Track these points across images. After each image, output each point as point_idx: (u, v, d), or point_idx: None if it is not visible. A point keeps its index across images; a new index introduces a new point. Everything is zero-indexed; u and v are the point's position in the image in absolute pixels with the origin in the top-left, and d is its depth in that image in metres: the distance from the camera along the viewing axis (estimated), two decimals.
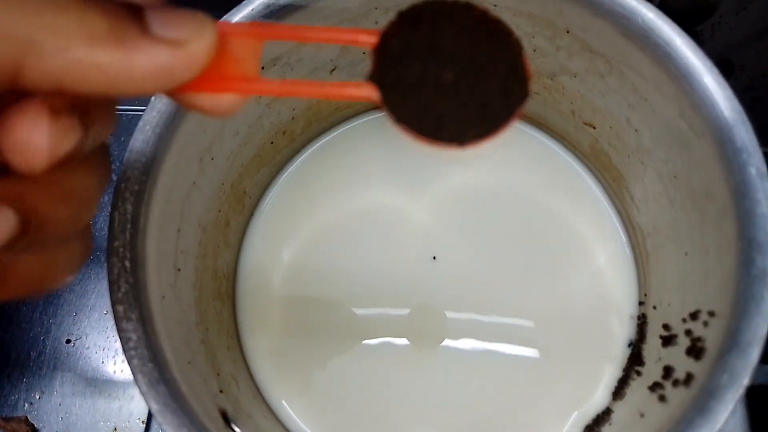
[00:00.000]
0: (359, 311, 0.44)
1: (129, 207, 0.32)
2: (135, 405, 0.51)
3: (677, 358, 0.33)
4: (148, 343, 0.30)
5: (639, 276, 0.43)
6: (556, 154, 0.47)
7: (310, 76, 0.42)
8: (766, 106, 0.70)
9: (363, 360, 0.43)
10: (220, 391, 0.35)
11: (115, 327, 0.51)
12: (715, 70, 0.32)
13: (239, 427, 0.32)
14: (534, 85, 0.43)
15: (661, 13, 0.32)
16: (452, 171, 0.48)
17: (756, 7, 0.53)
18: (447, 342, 0.43)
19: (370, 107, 0.49)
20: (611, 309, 0.43)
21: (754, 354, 0.27)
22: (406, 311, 0.44)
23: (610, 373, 0.42)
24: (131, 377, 0.50)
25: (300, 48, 0.39)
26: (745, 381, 0.26)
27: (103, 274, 0.55)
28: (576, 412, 0.41)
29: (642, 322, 0.42)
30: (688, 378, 0.30)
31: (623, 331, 0.43)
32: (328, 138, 0.49)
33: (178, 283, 0.35)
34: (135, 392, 0.51)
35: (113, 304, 0.30)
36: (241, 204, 0.45)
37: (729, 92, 0.31)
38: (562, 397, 0.41)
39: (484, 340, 0.43)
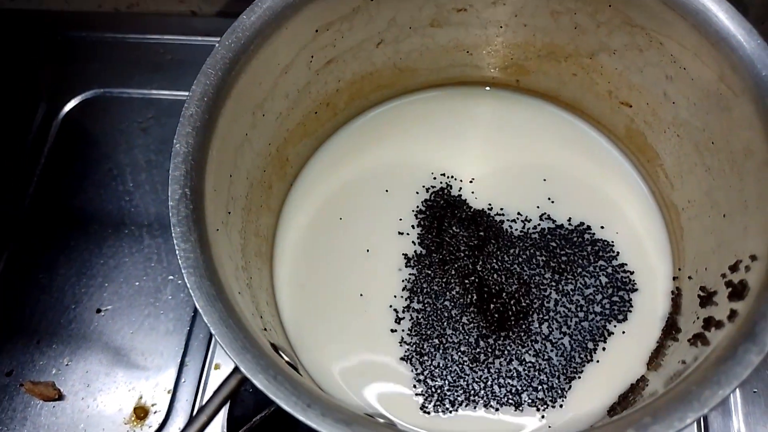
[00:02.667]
0: (396, 294, 0.45)
1: (191, 140, 0.33)
2: (161, 375, 0.51)
3: (718, 308, 0.33)
4: (206, 263, 0.31)
5: (672, 253, 0.44)
6: (592, 138, 0.49)
7: (358, 47, 0.44)
8: None
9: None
10: (265, 329, 0.35)
11: (142, 300, 0.52)
12: (754, 31, 0.33)
13: (288, 358, 0.33)
14: (573, 66, 0.45)
15: None
16: (491, 152, 0.49)
17: None
18: None
19: (412, 88, 0.51)
20: (646, 290, 0.43)
21: None
22: None
23: (646, 347, 0.42)
24: (159, 349, 0.51)
25: (354, 16, 0.41)
26: None
27: (137, 247, 0.56)
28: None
29: (677, 295, 0.42)
30: (732, 315, 0.30)
31: (659, 308, 0.43)
32: (368, 116, 0.51)
33: (228, 224, 0.36)
34: (162, 362, 0.51)
35: (173, 227, 0.31)
36: (283, 170, 0.46)
37: (767, 51, 0.33)
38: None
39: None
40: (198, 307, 0.29)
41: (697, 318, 0.36)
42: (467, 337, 0.42)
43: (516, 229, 0.46)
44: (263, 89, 0.39)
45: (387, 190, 0.48)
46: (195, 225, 0.31)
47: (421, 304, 0.44)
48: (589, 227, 0.46)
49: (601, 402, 0.40)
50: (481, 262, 0.45)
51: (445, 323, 0.43)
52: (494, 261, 0.45)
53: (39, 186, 0.59)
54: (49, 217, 0.57)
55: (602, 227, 0.45)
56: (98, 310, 0.54)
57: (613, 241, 0.45)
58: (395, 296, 0.44)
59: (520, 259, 0.45)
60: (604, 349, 0.42)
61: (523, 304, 0.43)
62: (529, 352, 0.42)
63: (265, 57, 0.37)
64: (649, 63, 0.40)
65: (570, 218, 0.46)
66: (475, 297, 0.43)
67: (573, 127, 0.49)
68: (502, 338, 0.42)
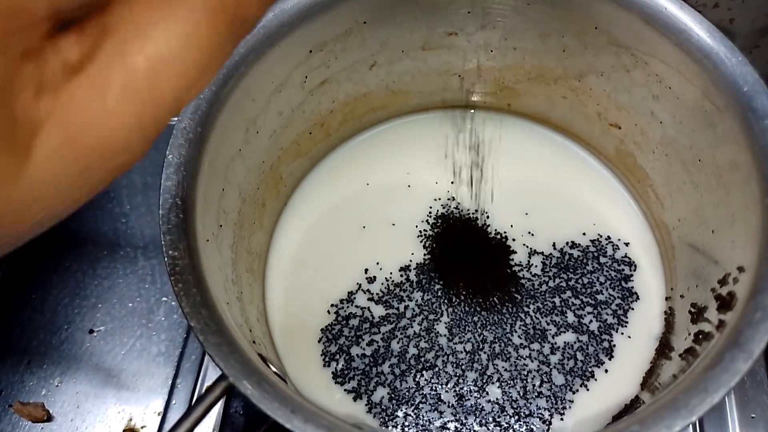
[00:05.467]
0: (393, 308, 0.45)
1: (183, 151, 0.34)
2: (152, 397, 0.50)
3: (708, 322, 0.33)
4: (194, 271, 0.31)
5: (665, 272, 0.44)
6: (582, 160, 0.49)
7: (351, 68, 0.45)
8: None
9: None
10: (253, 342, 0.35)
11: (135, 321, 0.52)
12: (734, 47, 0.34)
13: (276, 368, 0.33)
14: (562, 89, 0.46)
15: (678, 0, 0.35)
16: (484, 174, 0.49)
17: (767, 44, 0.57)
18: None
19: (405, 110, 0.51)
20: (640, 311, 0.43)
21: None
22: None
23: (640, 368, 0.41)
24: (151, 371, 0.50)
25: (347, 37, 0.42)
26: None
27: (132, 268, 0.57)
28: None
29: (669, 314, 0.42)
30: (720, 325, 0.30)
31: (653, 329, 0.43)
32: (362, 138, 0.51)
33: (219, 236, 0.37)
34: (153, 384, 0.51)
35: (163, 234, 0.31)
36: (276, 189, 0.46)
37: (748, 67, 0.34)
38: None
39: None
40: (184, 313, 0.29)
41: (689, 334, 0.36)
42: (460, 360, 0.42)
43: (515, 254, 0.46)
44: (257, 106, 0.40)
45: (380, 213, 0.48)
46: (184, 234, 0.32)
47: (418, 327, 0.43)
48: (582, 251, 0.46)
49: (595, 425, 0.40)
50: (481, 285, 0.45)
51: (438, 347, 0.43)
52: (494, 285, 0.45)
53: None
54: (44, 238, 0.57)
55: (595, 251, 0.46)
56: (91, 331, 0.53)
57: (607, 265, 0.45)
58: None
59: (518, 287, 0.45)
60: (595, 378, 0.41)
61: (516, 339, 0.43)
62: (516, 386, 0.41)
63: (258, 74, 0.38)
64: (636, 83, 0.41)
65: (562, 242, 0.46)
66: (470, 321, 0.43)
67: (564, 149, 0.50)
68: (492, 368, 0.42)
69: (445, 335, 0.43)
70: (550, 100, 0.48)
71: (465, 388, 0.41)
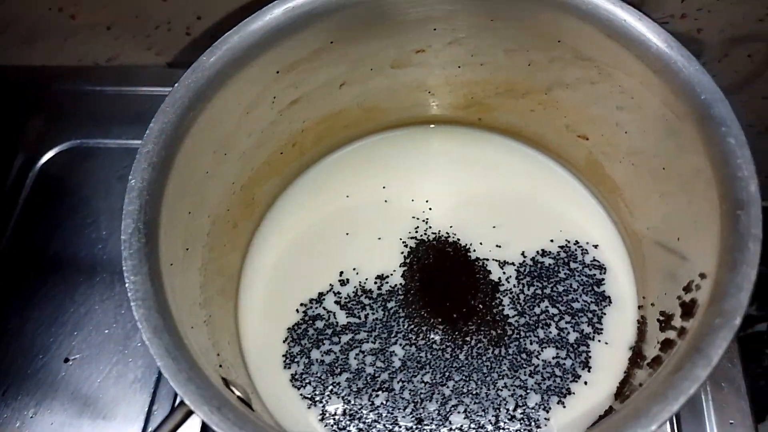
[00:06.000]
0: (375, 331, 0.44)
1: (146, 176, 0.34)
2: (129, 425, 0.50)
3: (674, 329, 0.33)
4: (156, 296, 0.31)
5: (637, 281, 0.44)
6: (554, 172, 0.49)
7: (321, 88, 0.45)
8: (756, 157, 0.74)
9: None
10: (220, 366, 0.35)
11: (111, 347, 0.52)
12: (692, 57, 0.35)
13: (240, 392, 0.32)
14: (531, 102, 0.46)
15: (637, 12, 0.36)
16: (459, 188, 0.50)
17: (737, 53, 0.57)
18: None
19: (378, 128, 0.52)
20: (614, 320, 0.43)
21: (744, 297, 0.28)
22: None
23: (615, 378, 0.41)
24: (127, 398, 0.50)
25: (315, 58, 0.42)
26: (738, 321, 0.27)
27: (108, 294, 0.56)
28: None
29: (642, 323, 0.42)
30: (682, 332, 0.30)
31: (627, 338, 0.43)
32: (336, 156, 0.51)
33: (185, 260, 0.36)
34: (129, 411, 0.50)
35: (124, 260, 0.31)
36: (249, 210, 0.46)
37: (705, 75, 0.34)
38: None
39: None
40: (144, 339, 0.29)
41: (658, 342, 0.36)
42: (436, 379, 0.42)
43: (491, 268, 0.46)
44: (225, 128, 0.40)
45: (355, 230, 0.48)
46: (147, 258, 0.32)
47: (406, 342, 0.43)
48: (557, 262, 0.46)
49: None
50: (460, 303, 0.45)
51: (417, 367, 0.42)
52: (475, 302, 0.45)
53: (14, 234, 0.59)
54: (23, 265, 0.57)
55: (569, 262, 0.46)
56: (66, 360, 0.53)
57: (581, 275, 0.45)
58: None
59: (497, 301, 0.45)
60: (573, 392, 0.41)
61: (490, 353, 0.43)
62: (488, 415, 0.41)
63: (225, 97, 0.38)
64: (601, 95, 0.41)
65: (537, 253, 0.46)
66: (450, 339, 0.43)
67: (536, 162, 0.50)
68: (466, 384, 0.42)
69: (400, 359, 0.43)
70: (520, 113, 0.48)
71: (425, 413, 0.41)
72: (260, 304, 0.46)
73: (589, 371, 0.42)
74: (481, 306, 0.44)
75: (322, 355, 0.43)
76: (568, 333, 0.43)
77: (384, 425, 0.40)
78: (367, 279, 0.46)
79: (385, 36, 0.43)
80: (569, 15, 0.38)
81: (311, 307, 0.45)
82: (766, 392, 0.73)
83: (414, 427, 0.40)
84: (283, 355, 0.44)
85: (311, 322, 0.45)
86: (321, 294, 0.46)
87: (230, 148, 0.41)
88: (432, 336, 0.43)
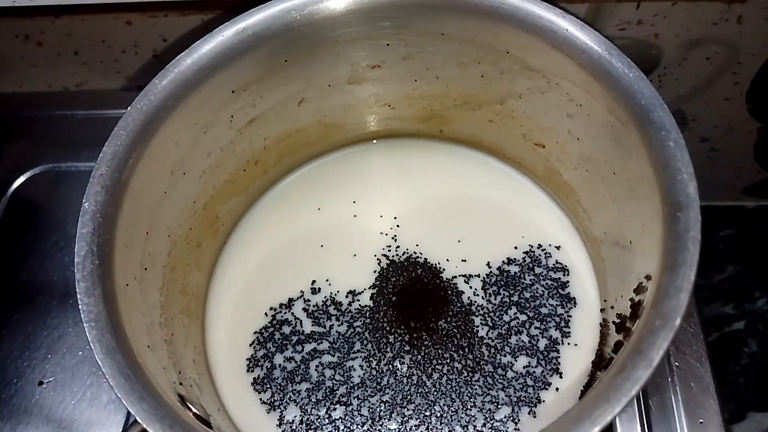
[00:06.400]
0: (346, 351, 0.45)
1: (100, 198, 0.34)
2: None
3: (625, 330, 0.34)
4: (109, 317, 0.31)
5: (599, 285, 0.45)
6: (516, 180, 0.50)
7: (279, 105, 0.46)
8: (724, 156, 0.74)
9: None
10: (180, 384, 0.35)
11: (85, 370, 0.52)
12: (632, 64, 0.35)
13: (197, 410, 0.33)
14: (487, 113, 0.47)
15: (579, 22, 0.37)
16: (421, 196, 0.50)
17: (695, 56, 0.58)
18: None
19: (341, 143, 0.52)
20: (579, 325, 0.44)
21: (684, 298, 0.28)
22: None
23: (579, 381, 0.42)
24: (102, 419, 0.51)
25: (269, 77, 0.43)
26: (677, 322, 0.28)
27: (81, 319, 0.56)
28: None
29: (603, 326, 0.42)
30: (627, 334, 0.31)
31: (590, 342, 0.43)
32: (300, 172, 0.52)
33: (144, 281, 0.37)
34: None
35: (77, 282, 0.32)
36: (213, 228, 0.47)
37: (645, 81, 0.35)
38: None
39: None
40: (97, 359, 0.30)
41: (612, 345, 0.37)
42: (396, 401, 0.42)
43: (462, 288, 0.46)
44: (181, 148, 0.40)
45: (323, 247, 0.49)
46: (100, 280, 0.32)
47: (366, 364, 0.44)
48: (523, 269, 0.46)
49: None
50: (426, 315, 0.45)
51: (376, 388, 0.43)
52: (447, 326, 0.45)
53: None
54: None
55: (534, 267, 0.46)
56: (40, 383, 0.53)
57: (546, 279, 0.46)
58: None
59: (470, 325, 0.45)
60: (542, 400, 0.42)
61: (461, 378, 0.43)
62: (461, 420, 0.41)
63: (180, 118, 0.39)
64: (551, 104, 0.42)
65: (503, 262, 0.47)
66: (415, 352, 0.44)
67: (497, 171, 0.51)
68: (430, 407, 0.42)
69: (359, 376, 0.43)
70: (478, 125, 0.49)
71: (384, 431, 0.41)
72: (228, 314, 0.46)
73: (561, 377, 0.42)
74: (455, 331, 0.44)
75: (285, 362, 0.44)
76: (538, 340, 0.43)
77: None
78: (338, 291, 0.47)
79: (339, 53, 0.44)
80: (514, 27, 0.39)
81: (280, 312, 0.46)
82: (744, 391, 0.74)
83: None
84: (248, 359, 0.45)
85: (278, 326, 0.46)
86: (291, 300, 0.47)
87: (189, 168, 0.42)
88: (397, 365, 0.43)
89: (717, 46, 0.57)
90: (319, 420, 0.41)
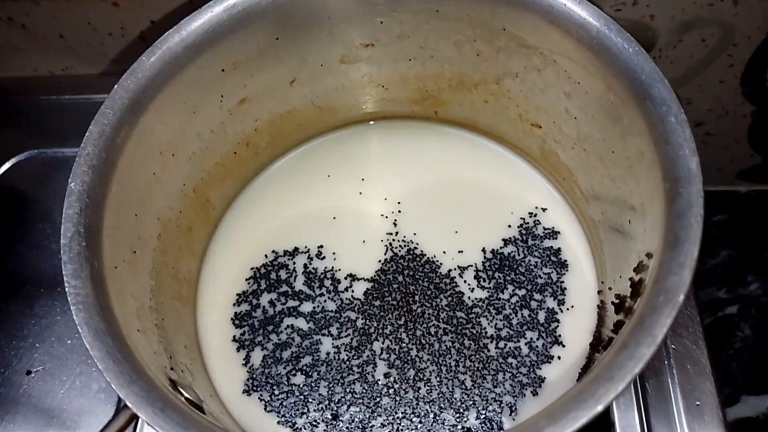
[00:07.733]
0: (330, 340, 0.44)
1: (86, 178, 0.33)
2: None
3: (625, 310, 0.33)
4: (97, 299, 0.30)
5: (596, 267, 0.44)
6: (511, 162, 0.49)
7: (270, 86, 0.45)
8: (718, 141, 0.74)
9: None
10: (171, 369, 0.34)
11: (74, 358, 0.51)
12: (632, 39, 0.35)
13: (189, 395, 0.32)
14: (483, 93, 0.46)
15: None
16: (414, 177, 0.49)
17: (691, 38, 0.58)
18: None
19: (333, 126, 0.51)
20: (577, 307, 0.43)
21: (687, 275, 0.28)
22: None
23: (577, 364, 0.41)
24: (92, 408, 0.50)
25: (261, 56, 0.42)
26: (681, 298, 0.27)
27: (69, 305, 0.55)
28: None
29: (601, 308, 0.42)
30: (629, 312, 0.30)
31: (588, 324, 0.43)
32: (293, 155, 0.51)
33: (133, 264, 0.36)
34: (94, 421, 0.49)
35: (64, 264, 0.31)
36: (204, 212, 0.46)
37: (645, 56, 0.34)
38: None
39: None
40: (85, 342, 0.29)
41: (614, 323, 0.36)
42: (400, 380, 0.42)
43: (448, 266, 0.46)
44: (170, 129, 0.39)
45: (316, 230, 0.48)
46: (87, 262, 0.31)
47: (361, 349, 0.43)
48: (518, 249, 0.46)
49: None
50: (419, 299, 0.44)
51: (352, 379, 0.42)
52: (430, 299, 0.44)
53: None
54: None
55: (531, 251, 0.46)
56: (28, 372, 0.52)
57: (543, 264, 0.45)
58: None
59: (454, 292, 0.44)
60: (542, 380, 0.41)
61: (453, 347, 0.43)
62: (454, 402, 0.41)
63: (169, 97, 0.38)
64: (548, 82, 0.41)
65: (499, 246, 0.46)
66: (409, 338, 0.43)
67: (492, 153, 0.50)
68: (432, 378, 0.42)
69: (327, 352, 0.43)
70: (474, 105, 0.48)
71: (346, 416, 0.41)
72: (220, 301, 0.46)
73: (563, 346, 0.42)
74: (445, 338, 0.43)
75: (269, 305, 0.45)
76: (537, 313, 0.43)
77: (295, 403, 0.41)
78: (340, 270, 0.46)
79: (332, 31, 0.43)
80: (511, 2, 0.38)
81: (281, 255, 0.47)
82: (737, 375, 0.74)
83: (329, 421, 0.40)
84: (238, 294, 0.46)
85: (276, 268, 0.46)
86: (297, 249, 0.47)
87: (178, 149, 0.41)
88: (377, 377, 0.42)
89: (712, 28, 0.57)
90: (278, 376, 0.42)
